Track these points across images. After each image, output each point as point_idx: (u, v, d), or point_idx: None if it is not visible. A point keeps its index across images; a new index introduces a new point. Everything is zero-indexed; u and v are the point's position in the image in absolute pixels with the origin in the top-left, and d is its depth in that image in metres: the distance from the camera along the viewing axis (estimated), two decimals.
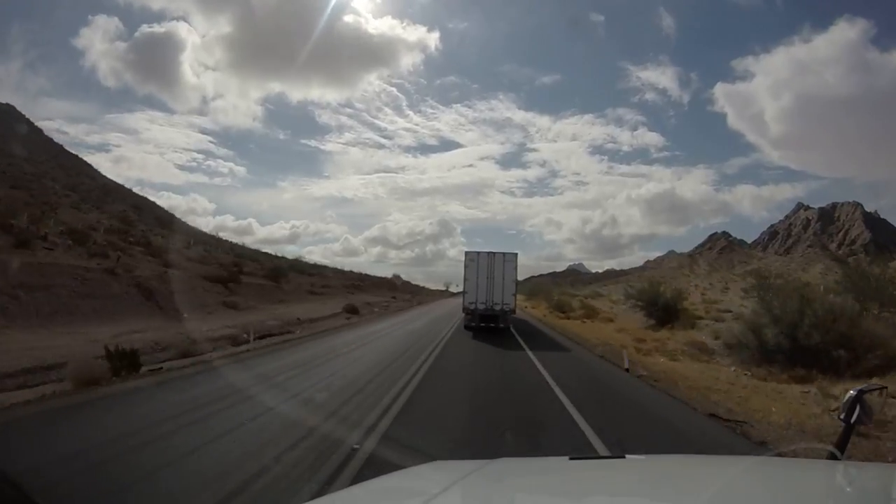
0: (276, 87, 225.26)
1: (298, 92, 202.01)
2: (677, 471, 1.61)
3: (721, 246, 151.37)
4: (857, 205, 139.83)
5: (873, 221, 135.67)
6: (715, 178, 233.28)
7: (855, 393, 1.49)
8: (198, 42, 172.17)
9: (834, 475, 1.38)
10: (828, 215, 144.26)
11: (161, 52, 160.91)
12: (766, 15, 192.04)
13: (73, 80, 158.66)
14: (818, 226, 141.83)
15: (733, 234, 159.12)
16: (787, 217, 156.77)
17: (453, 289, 75.06)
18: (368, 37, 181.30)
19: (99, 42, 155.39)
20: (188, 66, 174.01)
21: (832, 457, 1.46)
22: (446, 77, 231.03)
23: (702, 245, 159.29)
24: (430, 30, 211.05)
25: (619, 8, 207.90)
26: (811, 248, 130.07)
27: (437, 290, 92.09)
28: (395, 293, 59.48)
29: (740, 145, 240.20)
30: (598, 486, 1.42)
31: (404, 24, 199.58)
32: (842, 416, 1.49)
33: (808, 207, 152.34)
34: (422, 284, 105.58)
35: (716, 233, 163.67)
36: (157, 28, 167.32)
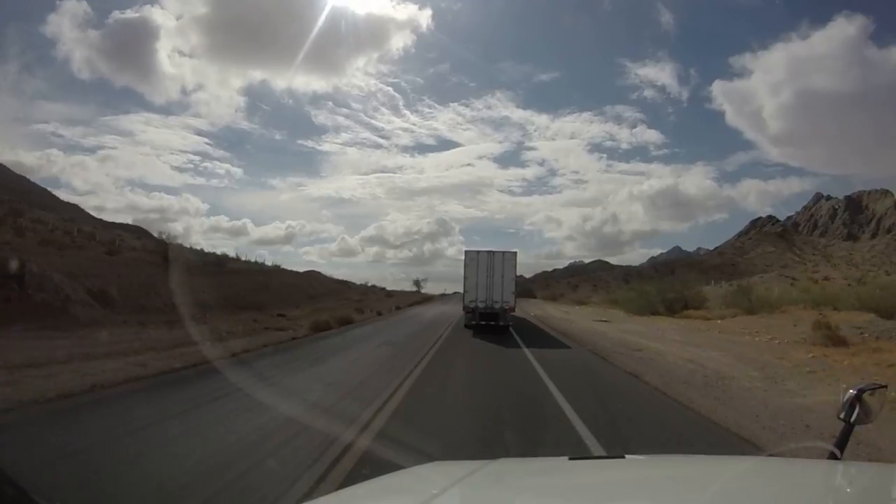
0: (257, 74, 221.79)
1: (282, 79, 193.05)
2: (677, 471, 1.62)
3: (777, 231, 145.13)
4: (886, 192, 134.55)
5: None
6: (715, 175, 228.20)
7: (855, 392, 1.47)
8: (172, 27, 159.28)
9: (834, 475, 1.37)
10: (855, 204, 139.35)
11: (136, 40, 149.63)
12: (764, 12, 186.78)
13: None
14: (846, 215, 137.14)
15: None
16: (805, 208, 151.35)
17: (433, 290, 59.97)
18: (356, 17, 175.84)
19: (68, 30, 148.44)
20: (165, 53, 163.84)
21: (832, 457, 1.45)
22: (441, 65, 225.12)
23: (744, 232, 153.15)
24: (421, 7, 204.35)
25: (618, 4, 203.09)
26: None
27: (385, 293, 57.87)
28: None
29: (739, 142, 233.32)
30: (597, 486, 1.44)
31: (394, 2, 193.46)
32: (842, 416, 1.48)
33: (829, 197, 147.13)
34: (375, 283, 62.31)
35: (759, 217, 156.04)
36: (130, 14, 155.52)
